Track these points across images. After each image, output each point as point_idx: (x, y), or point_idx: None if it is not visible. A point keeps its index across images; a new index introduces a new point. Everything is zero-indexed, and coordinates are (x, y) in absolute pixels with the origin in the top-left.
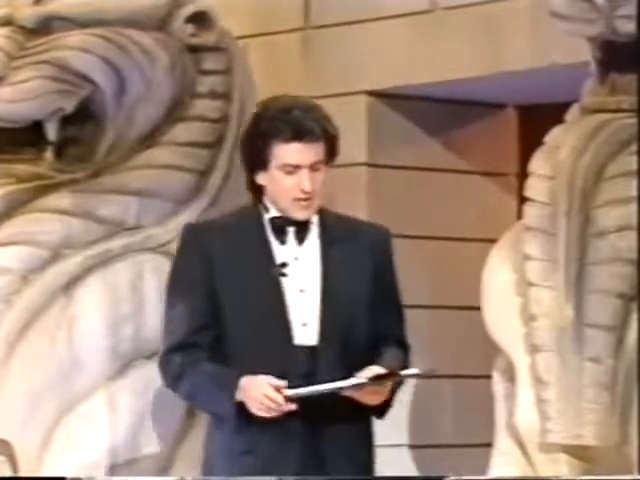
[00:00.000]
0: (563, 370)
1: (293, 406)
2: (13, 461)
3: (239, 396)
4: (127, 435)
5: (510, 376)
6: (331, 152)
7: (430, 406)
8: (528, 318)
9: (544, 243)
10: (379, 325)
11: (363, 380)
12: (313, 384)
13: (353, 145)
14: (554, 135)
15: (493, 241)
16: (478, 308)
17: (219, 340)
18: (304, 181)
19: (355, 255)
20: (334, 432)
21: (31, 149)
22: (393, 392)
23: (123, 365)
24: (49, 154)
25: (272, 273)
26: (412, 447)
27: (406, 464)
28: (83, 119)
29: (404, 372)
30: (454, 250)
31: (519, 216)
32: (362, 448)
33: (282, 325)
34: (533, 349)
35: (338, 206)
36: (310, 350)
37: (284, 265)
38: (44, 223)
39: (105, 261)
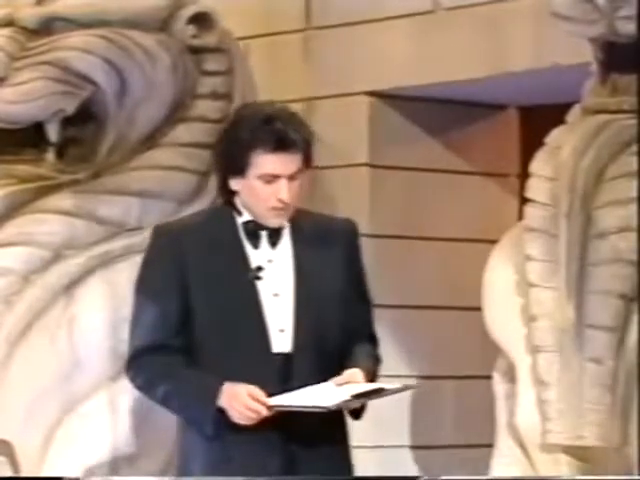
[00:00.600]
0: (564, 371)
1: (272, 412)
2: (14, 461)
3: (220, 403)
4: (128, 435)
5: (511, 377)
6: (307, 160)
7: (431, 407)
8: (529, 319)
9: (545, 244)
10: (351, 321)
11: (347, 398)
12: (288, 391)
13: (354, 145)
14: (555, 136)
15: (494, 242)
16: (479, 309)
17: (191, 344)
18: (282, 191)
19: (326, 255)
20: (311, 436)
21: (32, 150)
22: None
23: (124, 365)
24: (50, 155)
25: (247, 277)
26: (413, 448)
27: (407, 465)
28: (84, 120)
29: (388, 387)
30: (455, 251)
31: (520, 217)
32: (339, 449)
33: (260, 332)
34: (534, 350)
35: (339, 206)
36: (286, 357)
37: (260, 269)
38: (45, 224)
39: (106, 262)
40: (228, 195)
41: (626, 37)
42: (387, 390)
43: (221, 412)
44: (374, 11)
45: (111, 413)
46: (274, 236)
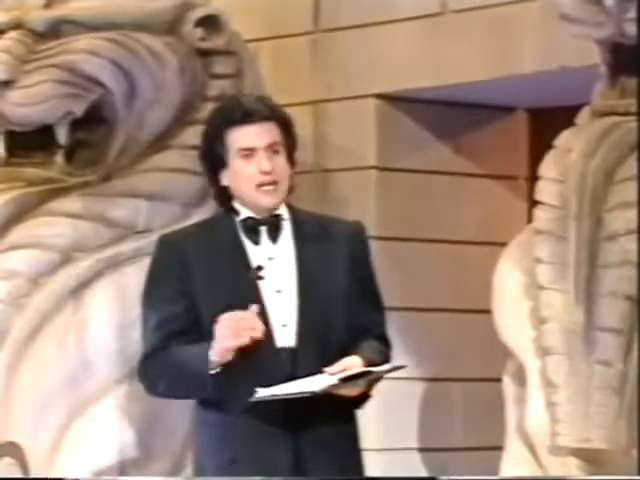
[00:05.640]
0: (573, 373)
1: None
2: (23, 464)
3: (213, 357)
4: (137, 438)
5: (520, 379)
6: (288, 136)
7: (439, 409)
8: (538, 321)
9: (554, 246)
10: (357, 320)
11: (335, 382)
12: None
13: (362, 148)
14: (564, 138)
15: (503, 244)
16: (488, 311)
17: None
18: (262, 162)
19: (329, 251)
20: (319, 434)
21: (41, 153)
22: (371, 384)
23: (133, 368)
24: (59, 158)
25: (248, 276)
26: (422, 450)
27: (416, 467)
28: (93, 123)
29: (376, 369)
30: (464, 253)
31: (529, 219)
32: (348, 447)
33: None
34: (543, 352)
35: (347, 209)
36: (290, 351)
37: (260, 268)
38: (54, 226)
39: (115, 264)
40: (225, 201)
41: (634, 39)
42: (375, 372)
43: (219, 375)
44: (383, 13)
45: (119, 416)
46: (274, 230)
